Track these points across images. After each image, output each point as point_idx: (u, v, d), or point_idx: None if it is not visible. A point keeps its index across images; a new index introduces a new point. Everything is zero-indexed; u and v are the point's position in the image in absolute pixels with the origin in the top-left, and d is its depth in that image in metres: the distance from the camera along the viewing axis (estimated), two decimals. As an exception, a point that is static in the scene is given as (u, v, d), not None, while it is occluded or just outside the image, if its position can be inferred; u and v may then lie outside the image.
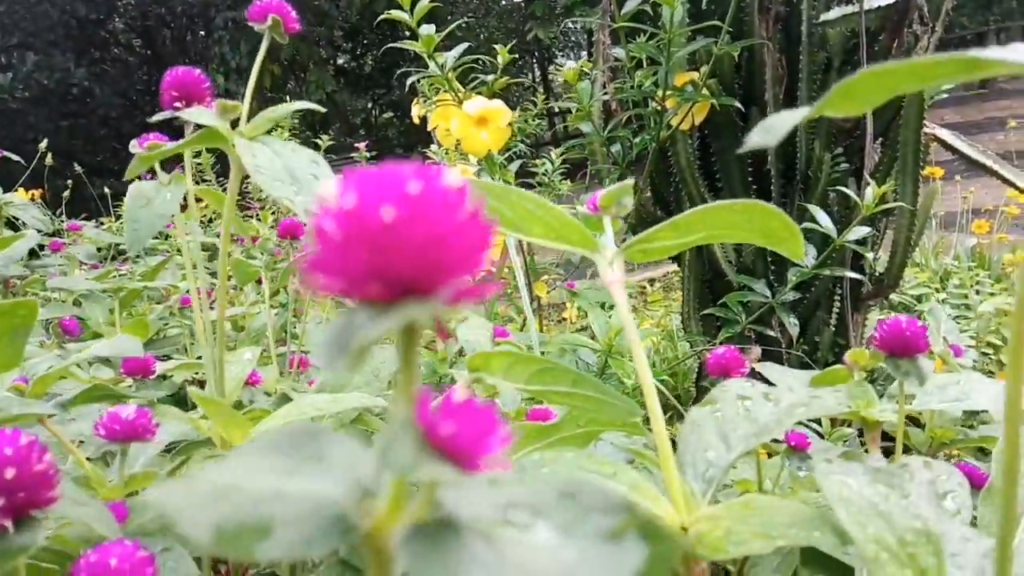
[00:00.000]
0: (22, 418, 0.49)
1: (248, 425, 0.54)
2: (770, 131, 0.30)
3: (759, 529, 0.34)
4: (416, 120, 1.95)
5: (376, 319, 0.13)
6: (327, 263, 0.14)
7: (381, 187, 0.14)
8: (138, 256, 2.31)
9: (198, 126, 0.52)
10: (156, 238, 2.52)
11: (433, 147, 2.82)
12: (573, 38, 10.31)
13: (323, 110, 0.52)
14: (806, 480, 0.65)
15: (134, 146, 0.60)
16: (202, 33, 10.29)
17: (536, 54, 9.63)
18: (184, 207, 0.60)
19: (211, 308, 1.70)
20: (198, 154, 2.92)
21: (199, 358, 1.31)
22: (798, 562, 0.55)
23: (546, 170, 1.83)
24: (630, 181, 0.46)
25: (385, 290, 0.13)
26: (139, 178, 0.58)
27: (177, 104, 0.54)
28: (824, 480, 0.34)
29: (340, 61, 9.98)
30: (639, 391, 1.06)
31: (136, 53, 10.67)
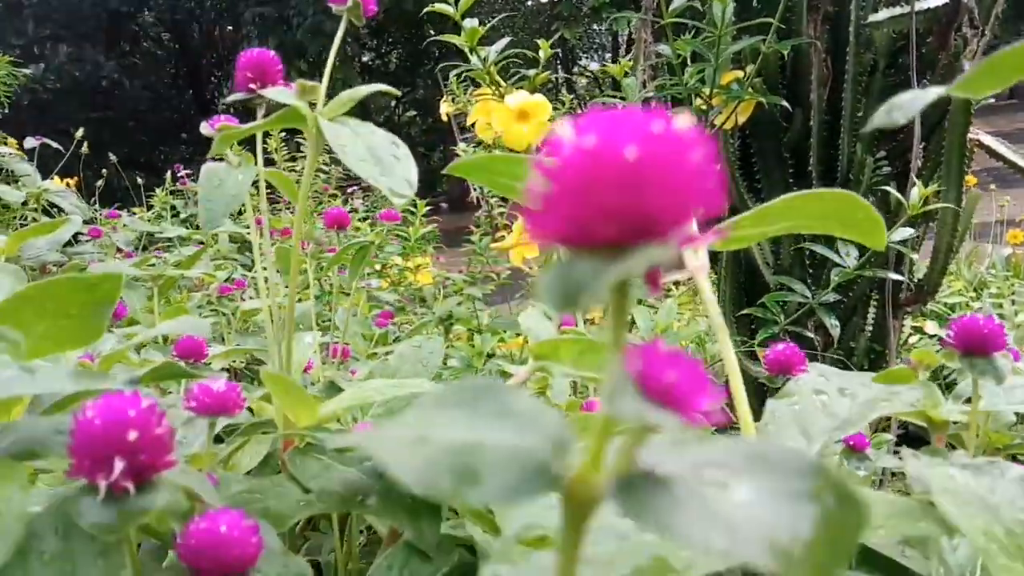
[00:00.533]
0: (96, 393, 0.49)
1: (316, 406, 0.54)
2: (899, 109, 0.30)
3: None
4: (444, 117, 1.96)
5: (610, 262, 0.13)
6: (557, 207, 0.13)
7: (622, 127, 0.13)
8: (170, 245, 2.33)
9: (272, 108, 0.52)
10: (188, 228, 2.54)
11: (461, 145, 2.83)
12: (597, 40, 10.30)
13: (398, 93, 0.52)
14: (857, 480, 0.64)
15: (205, 127, 0.61)
16: (230, 28, 10.39)
17: (560, 55, 9.62)
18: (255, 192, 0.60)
19: (246, 298, 1.70)
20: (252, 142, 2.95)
21: (238, 345, 1.32)
22: (853, 560, 0.55)
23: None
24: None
25: (623, 233, 0.13)
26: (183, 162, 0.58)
27: (252, 85, 0.55)
28: (926, 471, 0.34)
29: (365, 59, 10.02)
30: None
31: (165, 47, 10.79)
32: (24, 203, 2.01)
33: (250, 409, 0.66)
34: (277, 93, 0.49)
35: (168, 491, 0.28)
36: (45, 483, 0.43)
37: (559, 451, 0.16)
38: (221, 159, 0.59)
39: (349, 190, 2.96)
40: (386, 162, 0.45)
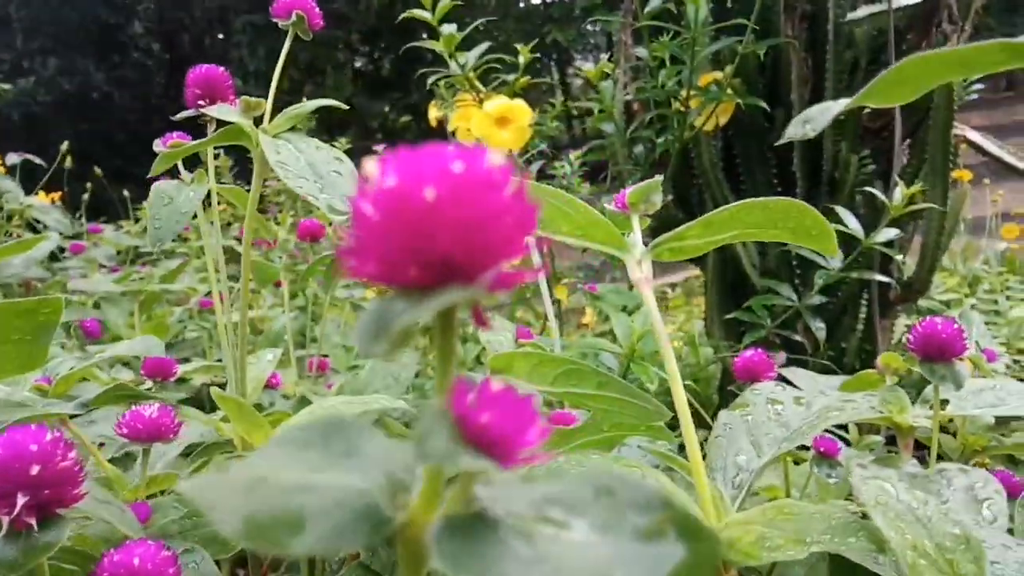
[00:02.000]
0: (45, 417, 0.48)
1: (269, 427, 0.53)
2: (810, 122, 0.29)
3: (793, 535, 0.33)
4: (433, 123, 1.95)
5: (416, 304, 0.13)
6: (365, 246, 0.13)
7: (423, 166, 0.13)
8: (156, 259, 2.33)
9: (221, 123, 0.52)
10: (175, 240, 2.54)
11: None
12: (592, 40, 10.30)
13: (345, 107, 0.51)
14: (834, 488, 0.63)
15: (157, 145, 0.60)
16: (220, 37, 10.40)
17: (555, 56, 9.62)
18: (207, 207, 0.59)
19: (232, 310, 1.70)
20: (217, 155, 2.95)
21: (219, 360, 1.32)
22: (827, 571, 0.54)
23: (565, 172, 1.82)
24: (659, 178, 0.45)
25: (425, 274, 0.13)
26: (160, 177, 0.58)
27: (201, 102, 0.54)
28: (861, 485, 0.33)
29: (358, 64, 10.03)
30: (663, 396, 1.05)
31: (155, 57, 10.80)
32: (9, 219, 2.01)
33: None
34: (221, 110, 0.48)
35: (70, 526, 0.28)
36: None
37: (395, 492, 0.15)
38: (175, 177, 0.58)
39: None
40: (327, 178, 0.45)
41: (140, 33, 10.39)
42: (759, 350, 0.65)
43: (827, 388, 0.62)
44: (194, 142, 0.49)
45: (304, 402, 0.83)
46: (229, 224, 2.86)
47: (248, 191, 0.52)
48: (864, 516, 0.33)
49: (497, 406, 0.14)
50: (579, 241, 0.45)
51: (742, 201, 0.42)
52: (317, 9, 0.52)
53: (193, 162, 0.60)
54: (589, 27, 8.42)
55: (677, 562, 0.14)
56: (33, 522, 0.26)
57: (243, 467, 0.16)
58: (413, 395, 1.11)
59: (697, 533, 0.15)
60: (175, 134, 0.60)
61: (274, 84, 0.51)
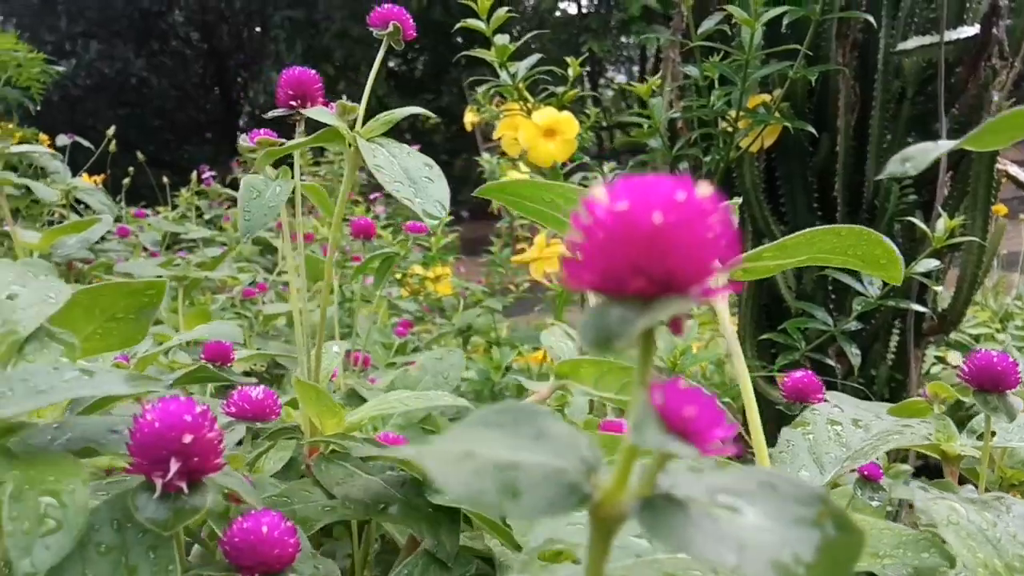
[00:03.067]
0: (135, 396, 0.51)
1: (343, 415, 0.56)
2: (911, 160, 0.31)
3: (867, 548, 0.34)
4: (468, 127, 1.98)
5: (640, 311, 0.15)
6: (592, 260, 0.15)
7: (651, 194, 0.15)
8: (194, 246, 2.38)
9: (312, 126, 0.55)
10: (212, 228, 2.59)
11: (485, 156, 2.85)
12: (625, 53, 10.31)
13: (433, 116, 0.54)
14: (873, 512, 0.64)
15: (243, 140, 0.63)
16: (258, 30, 10.53)
17: (588, 68, 9.66)
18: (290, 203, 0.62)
19: (267, 301, 1.72)
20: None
21: (258, 349, 1.34)
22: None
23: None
24: (737, 200, 0.47)
25: (648, 286, 0.15)
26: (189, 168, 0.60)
27: (293, 102, 0.57)
28: (930, 505, 0.35)
29: (391, 65, 10.12)
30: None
31: (193, 47, 10.96)
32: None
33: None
34: (318, 113, 0.51)
35: (215, 491, 0.30)
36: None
37: (589, 472, 0.17)
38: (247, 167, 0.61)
39: (372, 197, 3.00)
40: (420, 183, 0.48)
41: (180, 22, 10.55)
42: (808, 371, 0.66)
43: (874, 414, 0.63)
44: (293, 142, 0.52)
45: (354, 395, 0.85)
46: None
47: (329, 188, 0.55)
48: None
49: (694, 402, 0.16)
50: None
51: (815, 228, 0.44)
52: (411, 20, 0.55)
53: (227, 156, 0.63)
54: (623, 39, 8.44)
55: (835, 548, 0.16)
56: (184, 486, 0.29)
57: (447, 442, 0.18)
58: (463, 389, 1.14)
59: (849, 526, 0.17)
60: (261, 131, 0.63)
61: (367, 91, 0.54)
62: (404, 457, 0.43)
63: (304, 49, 8.41)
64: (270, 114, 0.58)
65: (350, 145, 0.51)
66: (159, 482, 0.29)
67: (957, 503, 0.35)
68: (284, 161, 0.60)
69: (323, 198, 0.63)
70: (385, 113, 0.53)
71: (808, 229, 0.44)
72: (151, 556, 0.31)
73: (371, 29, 0.55)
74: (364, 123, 0.53)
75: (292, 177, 0.60)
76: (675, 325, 0.16)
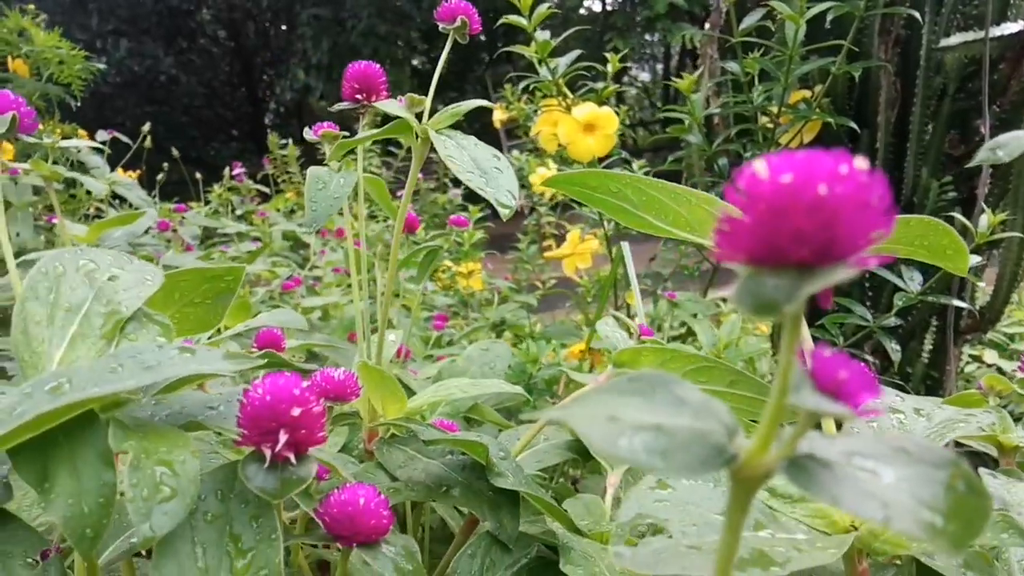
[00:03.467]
0: (205, 377, 0.53)
1: (405, 399, 0.57)
2: (1003, 148, 0.32)
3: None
4: (497, 124, 1.99)
5: (799, 279, 0.16)
6: (753, 231, 0.16)
7: (815, 168, 0.16)
8: (229, 240, 2.41)
9: (379, 119, 0.56)
10: (245, 223, 2.63)
11: (514, 152, 2.85)
12: (648, 50, 10.26)
13: (495, 107, 0.55)
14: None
15: (308, 133, 0.65)
16: (284, 28, 10.61)
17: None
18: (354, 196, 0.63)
19: (301, 294, 1.73)
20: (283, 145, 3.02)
21: (296, 340, 1.36)
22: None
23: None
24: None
25: (812, 254, 0.16)
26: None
27: (358, 96, 0.58)
28: (1004, 489, 0.36)
29: (415, 63, 10.17)
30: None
31: (221, 44, 11.07)
32: (88, 193, 2.10)
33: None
34: (389, 105, 0.52)
35: (316, 463, 0.31)
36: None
37: (731, 435, 0.18)
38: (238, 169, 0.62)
39: (399, 193, 3.02)
40: (490, 174, 0.49)
41: (208, 20, 10.67)
42: (862, 365, 0.66)
43: (927, 406, 0.63)
44: (364, 134, 0.53)
45: (401, 384, 0.87)
46: (292, 212, 2.94)
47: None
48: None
49: (845, 366, 0.17)
50: (692, 237, 0.48)
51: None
52: (477, 15, 0.56)
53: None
54: (648, 37, 8.40)
55: (968, 508, 0.17)
56: (292, 456, 0.30)
57: (590, 406, 0.19)
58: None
59: (979, 489, 0.18)
60: (325, 124, 0.64)
61: (433, 84, 0.55)
62: (552, 419, 0.44)
63: (330, 47, 8.47)
64: (337, 106, 0.59)
65: (418, 137, 0.52)
66: (268, 453, 0.30)
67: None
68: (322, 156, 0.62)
69: (383, 192, 0.64)
70: (452, 105, 0.54)
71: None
72: (254, 525, 0.32)
73: (438, 23, 0.56)
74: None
75: (355, 169, 0.61)
76: (824, 294, 0.17)
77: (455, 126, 0.55)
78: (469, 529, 0.60)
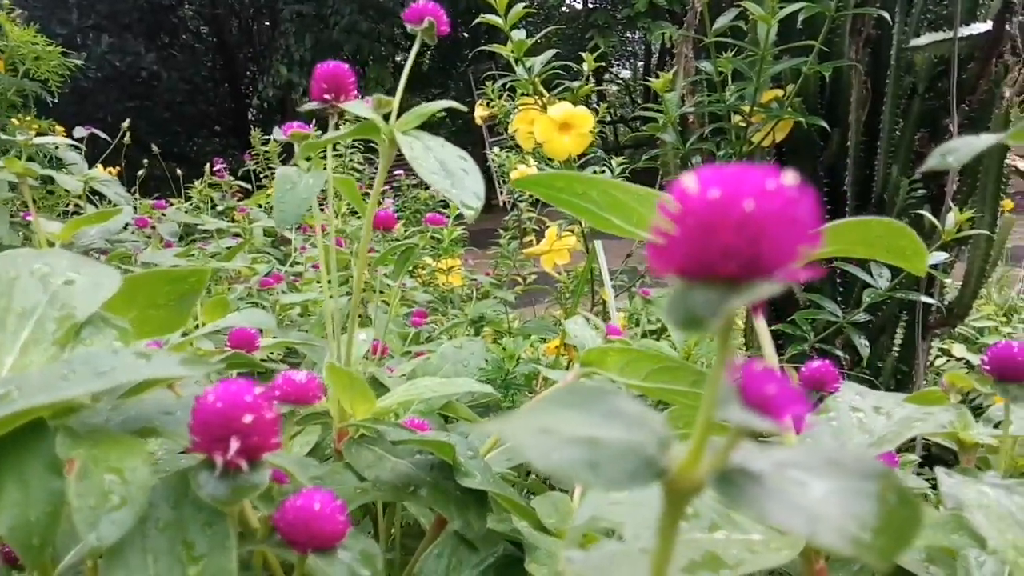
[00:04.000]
0: (161, 382, 0.52)
1: (374, 400, 0.57)
2: (951, 153, 0.32)
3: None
4: (479, 121, 1.98)
5: (726, 294, 0.16)
6: (683, 245, 0.16)
7: (742, 183, 0.16)
8: (208, 236, 2.39)
9: (345, 118, 0.56)
10: (226, 220, 2.60)
11: (495, 149, 2.84)
12: (629, 48, 10.28)
13: (464, 109, 0.55)
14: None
15: (278, 133, 0.64)
16: (267, 24, 10.52)
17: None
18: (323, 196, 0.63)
19: (281, 291, 1.71)
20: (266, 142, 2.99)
21: (273, 338, 1.35)
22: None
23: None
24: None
25: (739, 269, 0.16)
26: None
27: (327, 96, 0.58)
28: (958, 489, 0.36)
29: (398, 59, 10.12)
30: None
31: (203, 40, 10.95)
32: (67, 190, 2.07)
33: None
34: (356, 107, 0.52)
35: (270, 469, 0.31)
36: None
37: (663, 447, 0.18)
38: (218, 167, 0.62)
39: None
40: (456, 175, 0.48)
41: (190, 15, 10.54)
42: (826, 360, 0.67)
43: (889, 404, 0.64)
44: (330, 134, 0.53)
45: (375, 382, 0.86)
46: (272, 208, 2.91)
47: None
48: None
49: (772, 381, 0.17)
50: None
51: (841, 220, 0.45)
52: (445, 16, 0.55)
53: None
54: (628, 34, 8.42)
55: (899, 520, 0.18)
56: (243, 464, 0.30)
57: (528, 419, 0.19)
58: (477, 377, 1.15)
59: (910, 500, 0.18)
60: (295, 124, 0.64)
61: (401, 84, 0.55)
62: (490, 432, 0.44)
63: (313, 43, 8.40)
64: (306, 107, 0.59)
65: (387, 139, 0.52)
66: (220, 460, 0.30)
67: (986, 487, 0.36)
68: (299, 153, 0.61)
69: (354, 191, 0.64)
70: (420, 106, 0.53)
71: (834, 222, 0.45)
72: (207, 532, 0.32)
73: (406, 24, 0.56)
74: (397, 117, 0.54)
75: (325, 169, 0.61)
76: (756, 306, 0.17)
77: (425, 126, 0.55)
78: (439, 528, 0.60)
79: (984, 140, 0.29)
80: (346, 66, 0.59)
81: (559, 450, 0.18)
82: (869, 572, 0.55)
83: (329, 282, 0.61)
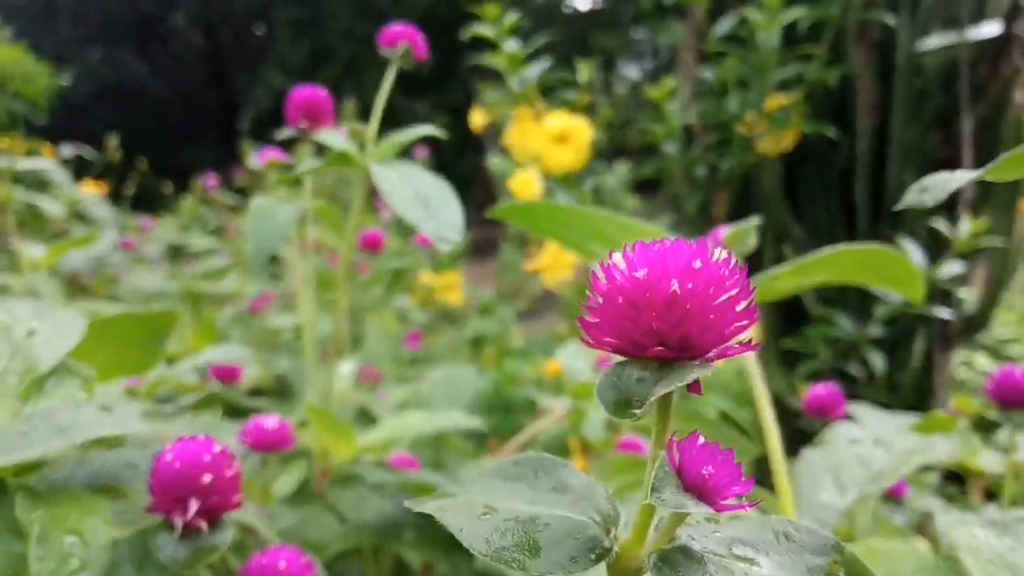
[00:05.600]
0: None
1: (355, 440, 0.56)
2: (928, 191, 0.31)
3: (886, 574, 0.34)
4: (477, 129, 1.97)
5: (658, 376, 0.15)
6: (610, 323, 0.15)
7: (668, 262, 0.15)
8: (198, 256, 2.39)
9: (321, 147, 0.55)
10: (217, 238, 2.59)
11: (495, 159, 2.83)
12: (636, 48, 10.26)
13: (445, 138, 0.54)
14: (896, 529, 0.63)
15: (254, 160, 0.63)
16: (259, 34, 10.49)
17: (599, 62, 9.58)
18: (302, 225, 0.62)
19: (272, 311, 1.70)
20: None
21: (265, 363, 1.34)
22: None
23: (610, 184, 1.82)
24: (754, 221, 0.46)
25: (666, 350, 0.15)
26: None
27: (303, 124, 0.57)
28: (952, 530, 0.35)
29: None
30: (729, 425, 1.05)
31: (195, 49, 10.91)
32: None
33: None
34: (329, 138, 0.51)
35: (234, 528, 0.30)
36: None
37: (608, 525, 0.17)
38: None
39: (379, 204, 2.99)
40: (433, 207, 0.47)
41: (182, 25, 10.55)
42: (830, 385, 0.65)
43: (897, 428, 0.62)
44: (304, 167, 0.52)
45: (364, 414, 0.85)
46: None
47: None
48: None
49: (711, 460, 0.16)
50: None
51: (834, 248, 0.44)
52: (422, 40, 0.54)
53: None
54: (634, 36, 8.40)
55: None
56: (204, 525, 0.29)
57: (469, 495, 0.18)
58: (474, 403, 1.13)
59: (863, 573, 0.17)
60: (272, 151, 0.63)
61: (376, 114, 0.54)
62: (426, 510, 0.43)
63: (308, 49, 8.38)
64: (280, 136, 0.58)
65: (362, 171, 0.51)
66: (179, 522, 0.29)
67: (978, 528, 0.34)
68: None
69: (336, 220, 0.63)
70: (394, 135, 0.52)
71: (827, 249, 0.44)
72: (172, 593, 0.31)
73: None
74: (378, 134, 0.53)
75: (303, 197, 0.60)
76: (694, 387, 0.16)
77: (404, 154, 0.54)
78: (428, 570, 0.59)
79: (959, 177, 0.28)
80: (324, 93, 0.58)
81: (500, 533, 0.17)
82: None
83: (309, 306, 0.60)
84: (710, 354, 0.15)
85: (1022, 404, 0.49)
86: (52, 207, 1.31)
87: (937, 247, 1.27)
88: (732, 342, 0.16)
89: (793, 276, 0.44)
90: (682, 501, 0.15)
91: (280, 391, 1.12)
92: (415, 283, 1.91)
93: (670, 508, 0.15)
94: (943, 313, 1.13)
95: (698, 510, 0.15)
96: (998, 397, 0.50)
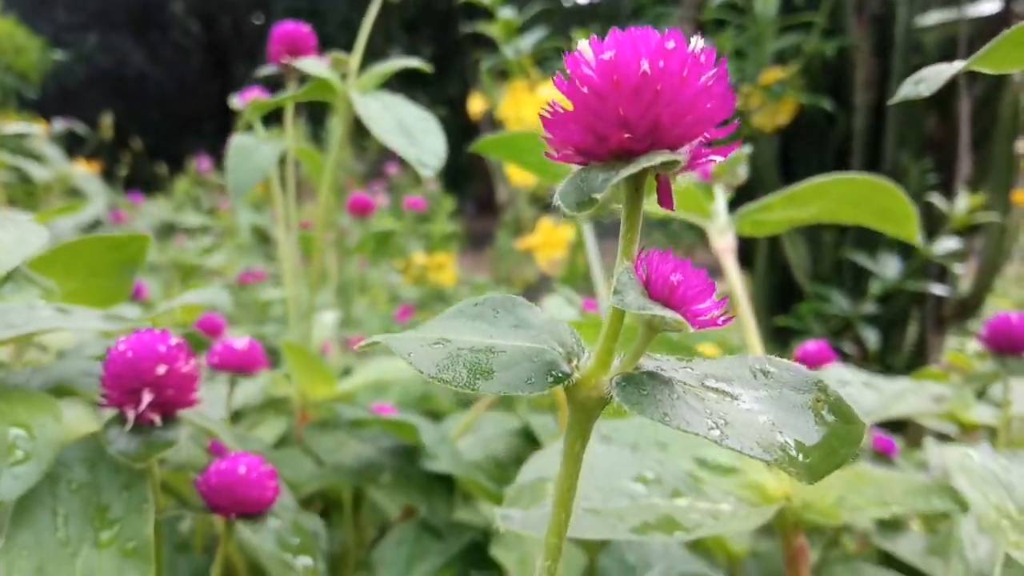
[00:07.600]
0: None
1: (334, 380, 0.55)
2: (923, 82, 0.29)
3: (874, 497, 0.33)
4: (475, 116, 1.95)
5: (620, 169, 0.14)
6: (575, 117, 0.14)
7: (639, 43, 0.14)
8: (191, 233, 2.37)
9: (304, 78, 0.53)
10: (209, 215, 2.58)
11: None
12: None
13: (429, 69, 0.52)
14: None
15: (235, 100, 0.62)
16: (257, 23, 10.46)
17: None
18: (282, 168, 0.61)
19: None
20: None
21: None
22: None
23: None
24: (744, 149, 0.45)
25: (633, 139, 0.13)
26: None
27: (285, 59, 0.55)
28: (945, 451, 0.33)
29: (393, 53, 10.04)
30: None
31: (193, 38, 10.87)
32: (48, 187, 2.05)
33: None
34: (309, 64, 0.50)
35: (190, 428, 0.29)
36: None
37: (570, 355, 0.16)
38: (251, 128, 0.60)
39: (374, 188, 2.98)
40: (415, 135, 0.46)
41: (180, 14, 10.49)
42: (820, 342, 0.64)
43: (882, 380, 0.61)
44: (280, 96, 0.51)
45: (349, 371, 0.84)
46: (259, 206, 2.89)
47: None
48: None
49: (681, 269, 0.15)
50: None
51: (826, 176, 0.43)
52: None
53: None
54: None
55: (832, 436, 0.15)
56: (157, 419, 0.28)
57: (425, 331, 0.17)
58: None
59: (848, 415, 0.16)
60: (255, 89, 0.61)
61: (360, 41, 0.52)
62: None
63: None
64: (263, 71, 0.57)
65: (343, 99, 0.49)
66: (131, 414, 0.27)
67: (972, 451, 0.33)
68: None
69: (316, 162, 0.61)
70: (378, 66, 0.51)
71: (819, 178, 0.43)
72: (124, 495, 0.29)
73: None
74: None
75: (284, 136, 0.59)
76: (664, 192, 0.15)
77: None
78: (405, 518, 0.58)
79: (955, 65, 0.26)
80: (307, 28, 0.56)
81: (451, 359, 0.15)
82: (851, 550, 0.52)
83: (292, 267, 0.59)
84: (682, 148, 0.14)
85: (1016, 349, 0.48)
86: (38, 172, 1.29)
87: (933, 228, 1.25)
88: (705, 134, 0.14)
89: (785, 206, 0.43)
90: (647, 304, 0.14)
91: (272, 363, 1.10)
92: (408, 264, 1.90)
93: (633, 309, 0.14)
94: (938, 289, 1.12)
95: (665, 314, 0.14)
96: (992, 342, 0.49)
